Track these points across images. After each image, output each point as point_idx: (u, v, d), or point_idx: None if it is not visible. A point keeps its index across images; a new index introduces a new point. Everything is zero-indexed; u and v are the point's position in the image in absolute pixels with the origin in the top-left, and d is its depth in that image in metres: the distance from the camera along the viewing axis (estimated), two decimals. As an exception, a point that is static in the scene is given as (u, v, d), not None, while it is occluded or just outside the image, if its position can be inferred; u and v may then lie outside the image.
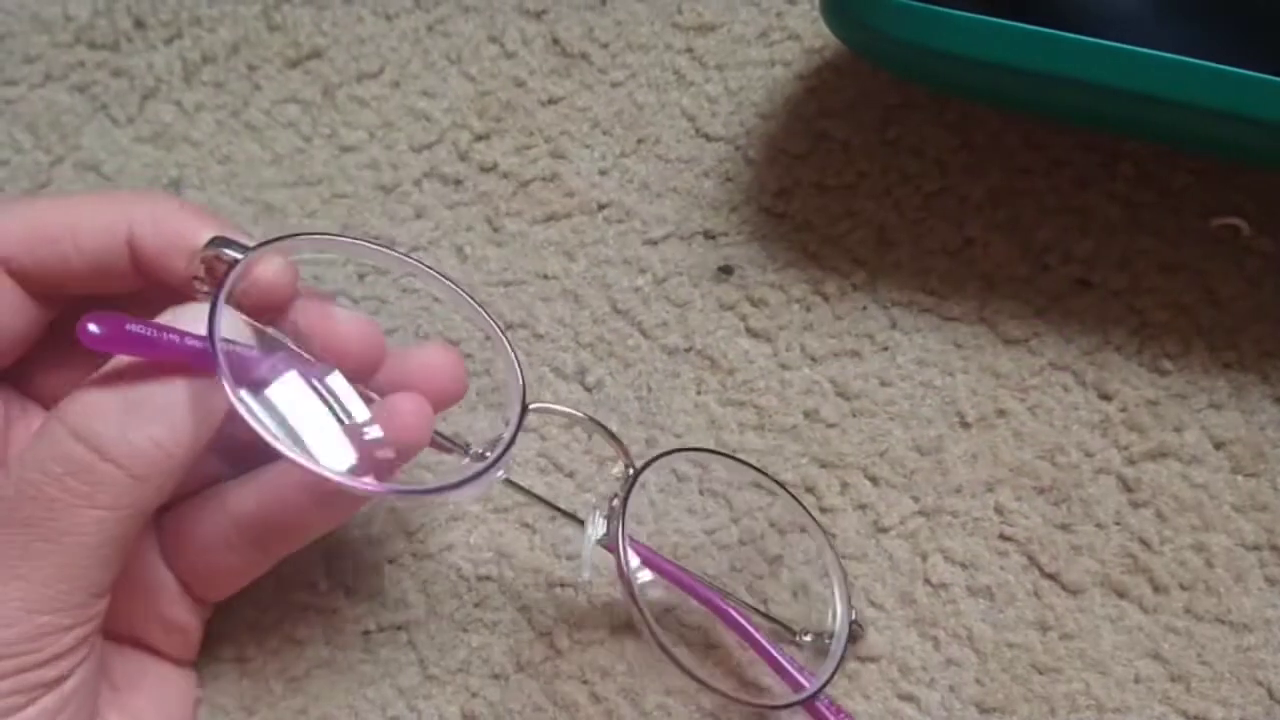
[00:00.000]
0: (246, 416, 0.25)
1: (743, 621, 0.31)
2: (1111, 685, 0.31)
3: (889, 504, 0.33)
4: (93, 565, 0.25)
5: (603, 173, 0.37)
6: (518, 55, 0.38)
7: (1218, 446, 0.33)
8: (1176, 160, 0.35)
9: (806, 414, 0.34)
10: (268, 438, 0.25)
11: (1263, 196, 0.34)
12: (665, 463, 0.31)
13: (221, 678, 0.32)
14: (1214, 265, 0.34)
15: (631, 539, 0.29)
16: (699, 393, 0.34)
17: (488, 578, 0.33)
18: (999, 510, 0.33)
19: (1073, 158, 0.35)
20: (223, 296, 0.25)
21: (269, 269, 0.27)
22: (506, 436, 0.28)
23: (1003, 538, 0.32)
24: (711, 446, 0.34)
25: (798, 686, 0.30)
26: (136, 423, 0.24)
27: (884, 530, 0.33)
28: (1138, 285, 0.34)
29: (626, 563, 0.28)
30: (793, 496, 0.32)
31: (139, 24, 0.39)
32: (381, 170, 0.37)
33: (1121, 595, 0.32)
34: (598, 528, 0.30)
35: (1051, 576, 0.32)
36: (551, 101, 0.38)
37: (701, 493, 0.33)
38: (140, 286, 0.28)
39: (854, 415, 0.34)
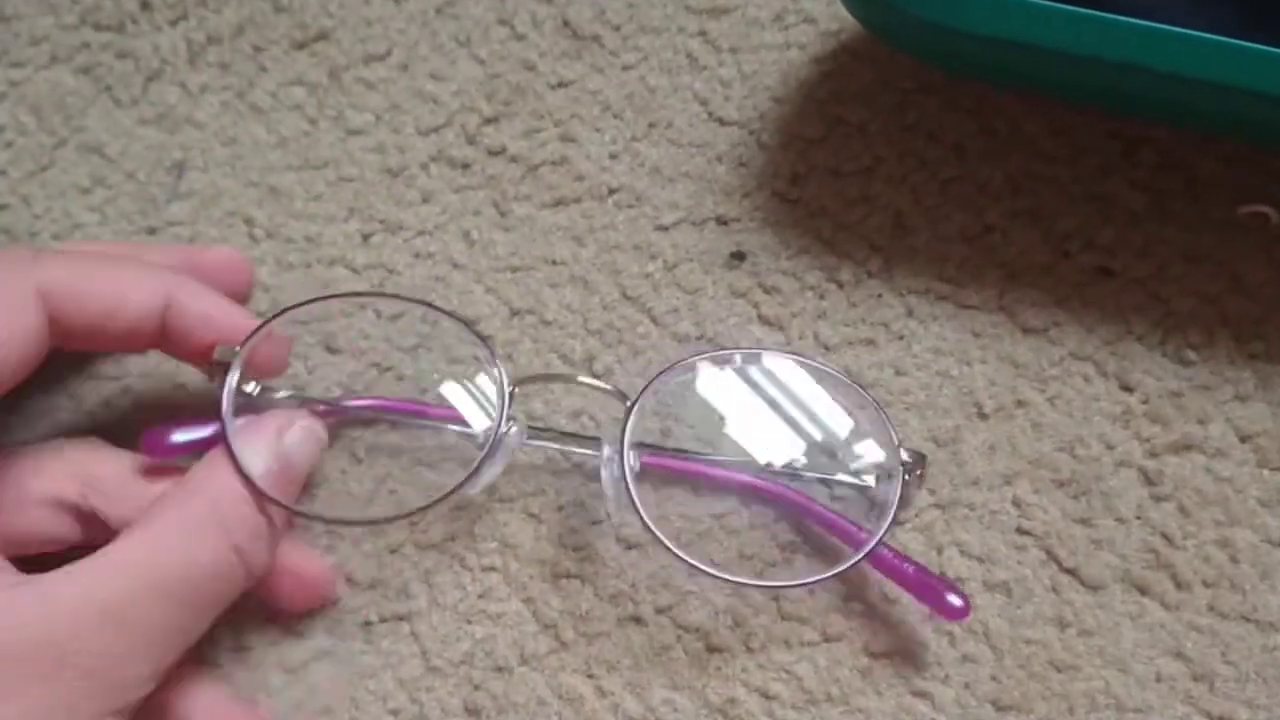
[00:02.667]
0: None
1: (789, 492, 0.31)
2: (1132, 684, 0.30)
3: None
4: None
5: (613, 157, 0.36)
6: (528, 38, 0.38)
7: (1243, 439, 0.32)
8: (1202, 147, 0.34)
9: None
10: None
11: (1291, 183, 0.33)
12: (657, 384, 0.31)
13: (222, 668, 0.32)
14: (1240, 253, 0.33)
15: (649, 452, 0.31)
16: (710, 381, 0.34)
17: (492, 568, 0.32)
18: (1017, 503, 0.32)
19: (1095, 144, 0.34)
20: (229, 415, 0.30)
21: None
22: (497, 424, 0.30)
23: (1021, 531, 0.32)
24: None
25: (856, 541, 0.30)
26: (264, 545, 0.29)
27: (899, 523, 0.32)
28: (1161, 273, 0.33)
29: (632, 489, 0.30)
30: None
31: (144, 5, 0.39)
32: (388, 153, 0.37)
33: (1143, 591, 0.31)
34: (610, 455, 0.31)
35: (1070, 572, 0.31)
36: (562, 84, 0.37)
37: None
38: (143, 349, 0.31)
39: (868, 405, 0.33)
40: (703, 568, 0.30)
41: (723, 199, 0.35)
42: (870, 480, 0.32)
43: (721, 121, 0.36)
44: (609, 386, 0.31)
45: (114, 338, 0.30)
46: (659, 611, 0.31)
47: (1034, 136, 0.35)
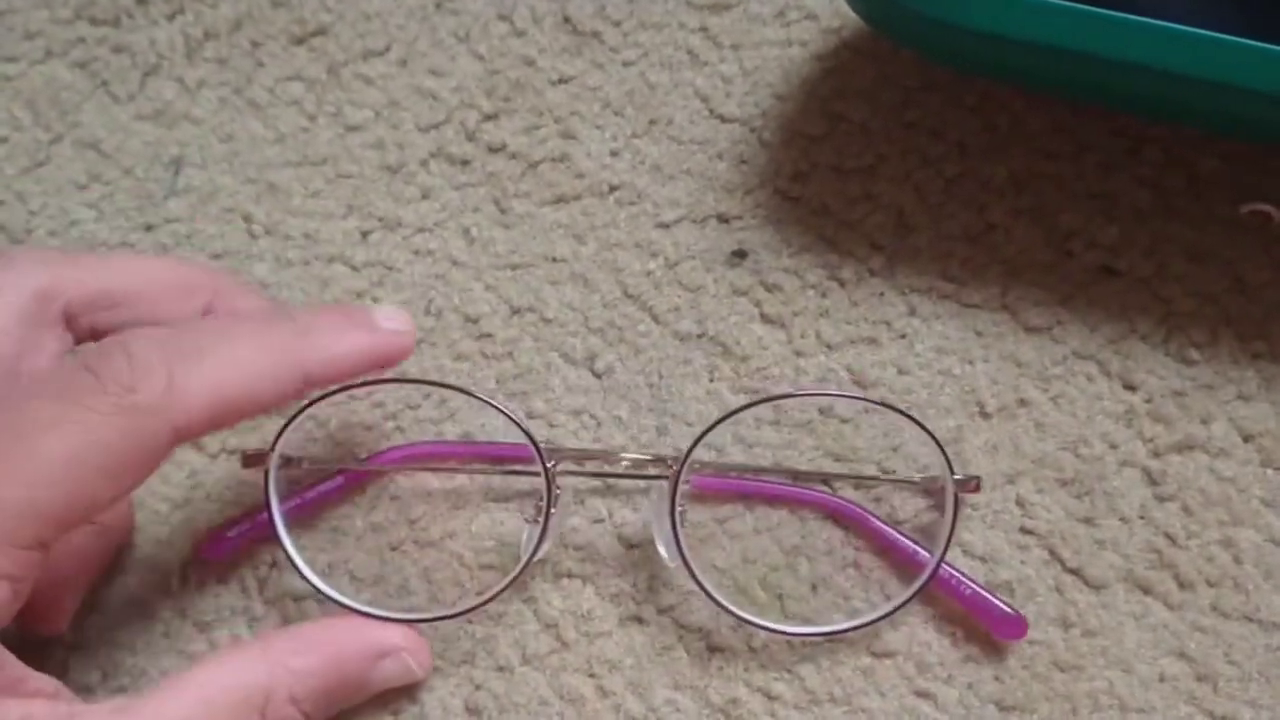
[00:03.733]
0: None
1: (850, 505, 0.32)
2: (1135, 684, 0.30)
3: (905, 497, 0.32)
4: None
5: (614, 154, 0.36)
6: (528, 33, 0.37)
7: (1246, 439, 0.32)
8: (1205, 145, 0.34)
9: (821, 411, 0.33)
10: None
11: (1295, 182, 0.33)
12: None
13: (219, 668, 0.31)
14: (1243, 252, 0.33)
15: (698, 477, 0.31)
16: (711, 380, 0.34)
17: (491, 567, 0.32)
18: (1020, 503, 0.32)
19: (1098, 142, 0.34)
20: (275, 504, 0.30)
21: None
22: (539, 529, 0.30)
23: (1024, 531, 0.31)
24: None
25: (916, 564, 0.30)
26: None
27: (901, 523, 0.32)
28: (1164, 272, 0.33)
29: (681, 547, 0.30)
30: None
31: (140, 0, 0.39)
32: (387, 150, 0.36)
33: (1146, 591, 0.31)
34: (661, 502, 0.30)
35: (1074, 571, 0.31)
36: (562, 81, 0.37)
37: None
38: None
39: (870, 404, 0.33)
40: (779, 629, 0.30)
41: (724, 196, 0.35)
42: (921, 501, 0.32)
43: (723, 118, 0.36)
44: (649, 456, 0.30)
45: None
46: (661, 611, 0.31)
47: (1037, 134, 0.35)
